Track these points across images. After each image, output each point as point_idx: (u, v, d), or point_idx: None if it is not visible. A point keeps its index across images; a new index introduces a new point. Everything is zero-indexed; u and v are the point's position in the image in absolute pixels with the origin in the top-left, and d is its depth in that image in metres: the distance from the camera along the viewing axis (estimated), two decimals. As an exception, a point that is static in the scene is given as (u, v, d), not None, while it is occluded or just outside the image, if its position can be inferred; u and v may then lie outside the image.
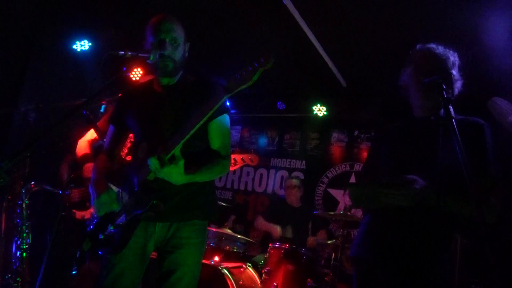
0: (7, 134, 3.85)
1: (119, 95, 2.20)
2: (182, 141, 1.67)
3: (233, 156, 2.87)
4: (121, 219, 1.83)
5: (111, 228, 1.85)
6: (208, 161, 1.89)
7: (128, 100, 2.06)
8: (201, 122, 1.67)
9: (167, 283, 1.82)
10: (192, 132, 1.67)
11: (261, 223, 4.65)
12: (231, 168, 2.85)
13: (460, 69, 1.83)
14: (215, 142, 1.94)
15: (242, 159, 2.92)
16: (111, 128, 2.13)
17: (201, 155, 1.89)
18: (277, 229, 4.40)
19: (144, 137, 1.93)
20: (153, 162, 1.65)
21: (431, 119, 1.77)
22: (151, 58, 1.83)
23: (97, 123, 2.92)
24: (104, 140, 2.22)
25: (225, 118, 1.96)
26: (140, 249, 1.86)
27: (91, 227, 1.96)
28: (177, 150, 1.68)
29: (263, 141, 6.39)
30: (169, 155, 1.66)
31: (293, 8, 3.59)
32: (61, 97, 3.18)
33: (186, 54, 2.01)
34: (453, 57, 1.82)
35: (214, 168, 1.89)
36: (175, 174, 1.68)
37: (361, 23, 3.78)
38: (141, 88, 2.07)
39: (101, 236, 1.88)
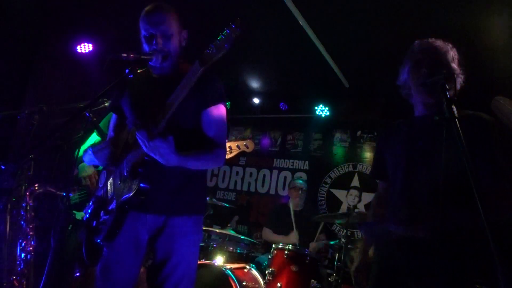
0: (11, 136, 3.87)
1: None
2: (167, 116, 1.61)
3: (228, 144, 2.85)
4: (113, 205, 1.82)
5: (103, 214, 1.84)
6: (202, 147, 1.83)
7: (124, 88, 2.03)
8: (183, 96, 1.60)
9: (162, 273, 1.79)
10: (175, 106, 1.60)
11: (272, 235, 4.58)
12: (227, 156, 2.81)
13: (460, 64, 1.79)
14: (209, 131, 1.88)
15: (237, 146, 2.89)
16: (113, 117, 2.13)
17: (192, 144, 1.83)
18: (292, 235, 4.36)
19: (137, 118, 1.86)
20: (142, 134, 1.57)
21: (434, 119, 1.75)
22: (154, 59, 1.83)
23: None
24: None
25: (220, 107, 1.91)
26: (133, 238, 1.83)
27: (87, 215, 1.95)
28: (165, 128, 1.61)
29: (266, 142, 6.39)
30: (158, 129, 1.60)
31: (295, 10, 3.59)
32: (65, 100, 3.20)
33: (183, 43, 1.95)
34: (452, 51, 1.78)
35: (207, 155, 1.82)
36: (165, 150, 1.59)
37: (363, 24, 3.78)
38: (137, 77, 2.03)
39: (95, 224, 1.87)
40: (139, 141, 1.60)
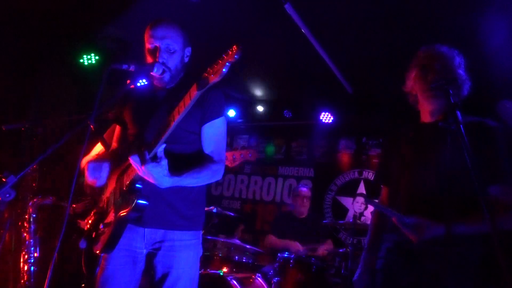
0: (15, 148, 3.89)
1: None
2: (162, 139, 1.61)
3: (231, 154, 2.85)
4: (111, 218, 1.83)
5: (102, 226, 1.85)
6: (198, 165, 1.82)
7: (127, 100, 2.06)
8: (178, 120, 1.61)
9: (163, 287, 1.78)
10: (170, 130, 1.61)
11: (275, 241, 4.50)
12: (231, 165, 2.81)
13: (467, 70, 1.78)
14: (208, 146, 1.89)
15: (240, 155, 2.90)
16: (115, 127, 2.14)
17: (192, 160, 1.84)
18: (296, 244, 4.29)
19: (136, 137, 1.91)
20: (134, 160, 1.60)
21: (439, 125, 1.73)
22: (155, 70, 1.84)
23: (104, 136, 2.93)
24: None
25: (220, 121, 1.91)
26: (130, 251, 1.83)
27: (87, 225, 1.96)
28: (159, 150, 1.61)
29: (270, 149, 6.37)
30: (151, 154, 1.60)
31: (297, 17, 3.60)
32: (69, 111, 3.22)
33: (186, 59, 1.98)
34: (458, 57, 1.77)
35: (204, 172, 1.81)
36: (158, 175, 1.61)
37: (366, 30, 3.77)
38: (140, 89, 2.05)
39: (94, 235, 1.88)
40: (133, 165, 1.63)
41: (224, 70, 1.48)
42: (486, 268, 1.51)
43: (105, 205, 1.93)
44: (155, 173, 1.60)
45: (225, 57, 1.48)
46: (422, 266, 1.60)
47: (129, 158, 1.62)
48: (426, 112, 1.82)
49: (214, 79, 1.50)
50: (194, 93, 1.55)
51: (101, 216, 1.91)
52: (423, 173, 1.70)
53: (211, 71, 1.51)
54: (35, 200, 2.95)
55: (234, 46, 1.47)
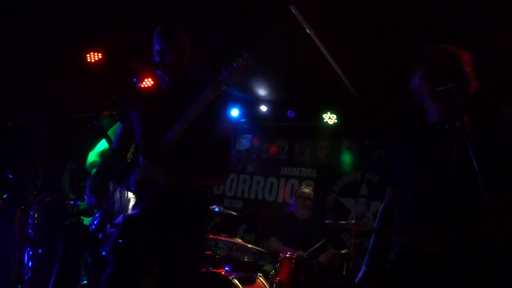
0: (21, 145, 3.90)
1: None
2: (174, 139, 1.64)
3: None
4: (119, 218, 1.84)
5: (109, 227, 1.87)
6: (206, 163, 1.86)
7: (133, 98, 2.07)
8: (191, 120, 1.63)
9: (166, 284, 1.80)
10: (182, 130, 1.64)
11: (279, 246, 4.44)
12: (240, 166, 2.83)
13: (474, 68, 1.76)
14: (215, 147, 1.93)
15: (238, 161, 2.91)
16: (120, 126, 2.16)
17: (200, 158, 1.87)
18: (300, 253, 4.23)
19: (144, 136, 1.93)
20: (146, 160, 1.63)
21: (445, 127, 1.72)
22: (162, 70, 1.85)
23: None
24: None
25: (226, 123, 1.95)
26: (137, 249, 1.84)
27: (93, 226, 1.98)
28: (169, 149, 1.65)
29: (273, 150, 6.37)
30: (162, 152, 1.63)
31: (302, 18, 3.60)
32: (74, 109, 3.25)
33: (194, 60, 2.00)
34: (465, 56, 1.76)
35: (211, 172, 1.87)
36: (168, 175, 1.64)
37: (370, 32, 3.77)
38: (148, 89, 2.08)
39: (101, 236, 1.90)
40: (143, 165, 1.66)
41: (240, 73, 1.50)
42: (506, 277, 1.49)
43: (111, 206, 1.93)
44: (164, 174, 1.64)
45: (242, 61, 1.50)
46: (437, 273, 1.59)
47: (140, 157, 1.64)
48: (433, 113, 1.81)
49: (229, 81, 1.53)
50: (209, 94, 1.58)
51: (107, 217, 1.92)
52: (429, 175, 1.70)
53: (225, 73, 1.53)
54: (40, 197, 2.97)
55: (254, 51, 1.49)
